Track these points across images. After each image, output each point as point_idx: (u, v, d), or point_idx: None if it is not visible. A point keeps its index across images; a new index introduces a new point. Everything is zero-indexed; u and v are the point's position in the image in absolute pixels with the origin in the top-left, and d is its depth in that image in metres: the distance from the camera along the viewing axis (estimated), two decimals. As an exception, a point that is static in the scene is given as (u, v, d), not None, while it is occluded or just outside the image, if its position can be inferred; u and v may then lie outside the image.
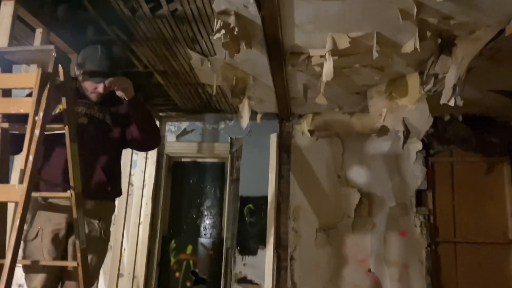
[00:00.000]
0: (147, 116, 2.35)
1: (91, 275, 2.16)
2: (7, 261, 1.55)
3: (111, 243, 3.98)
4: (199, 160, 4.89)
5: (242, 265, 4.43)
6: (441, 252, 4.30)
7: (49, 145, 2.13)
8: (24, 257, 2.09)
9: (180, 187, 4.85)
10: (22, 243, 2.07)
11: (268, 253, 4.11)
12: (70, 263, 1.98)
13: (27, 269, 2.08)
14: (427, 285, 4.11)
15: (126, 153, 3.97)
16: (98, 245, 2.21)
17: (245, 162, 4.64)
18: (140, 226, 4.35)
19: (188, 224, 4.78)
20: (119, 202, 3.94)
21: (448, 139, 4.42)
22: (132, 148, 2.52)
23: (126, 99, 2.25)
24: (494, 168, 4.39)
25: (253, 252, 4.45)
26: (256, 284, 4.34)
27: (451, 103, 2.87)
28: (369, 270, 4.23)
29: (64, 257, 2.13)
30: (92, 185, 2.18)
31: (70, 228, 2.09)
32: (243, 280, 4.39)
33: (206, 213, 4.79)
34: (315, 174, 4.51)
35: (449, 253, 4.30)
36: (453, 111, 4.27)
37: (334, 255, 4.31)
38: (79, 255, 1.91)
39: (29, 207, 2.16)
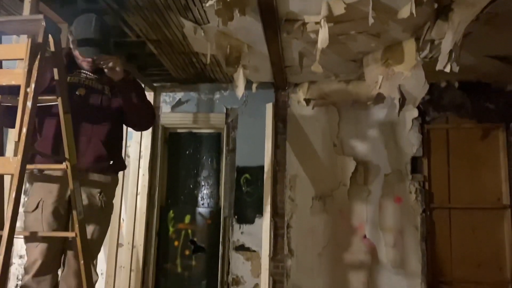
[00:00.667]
0: (139, 99, 2.29)
1: (93, 246, 2.19)
2: (5, 233, 1.56)
3: (109, 214, 4.03)
4: (195, 131, 4.88)
5: (240, 233, 4.49)
6: (435, 217, 4.37)
7: (43, 117, 2.13)
8: (24, 229, 2.11)
9: (176, 158, 4.86)
10: (23, 214, 2.09)
11: (265, 221, 4.16)
12: (68, 234, 2.00)
13: (27, 240, 2.10)
14: (421, 251, 4.20)
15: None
16: (100, 217, 2.23)
17: (241, 132, 4.63)
18: (138, 196, 4.38)
19: (185, 195, 4.81)
20: (116, 173, 3.96)
21: (444, 106, 4.42)
22: (127, 125, 2.47)
23: (114, 80, 2.20)
24: (490, 134, 4.41)
25: (250, 221, 4.50)
26: (254, 251, 4.42)
27: (447, 69, 2.85)
28: (365, 237, 4.30)
29: (66, 229, 2.14)
30: (91, 158, 2.17)
31: None
32: (241, 247, 4.46)
33: (203, 183, 4.82)
34: (311, 143, 4.52)
35: (443, 219, 4.37)
36: (449, 77, 4.25)
37: (330, 222, 4.37)
38: (76, 225, 1.93)
39: (28, 178, 2.19)
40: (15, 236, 1.70)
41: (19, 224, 2.33)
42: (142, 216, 4.44)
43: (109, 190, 2.29)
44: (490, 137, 4.40)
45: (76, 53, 2.20)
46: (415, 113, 4.37)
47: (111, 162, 2.24)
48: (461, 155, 4.42)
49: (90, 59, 2.16)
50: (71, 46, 2.21)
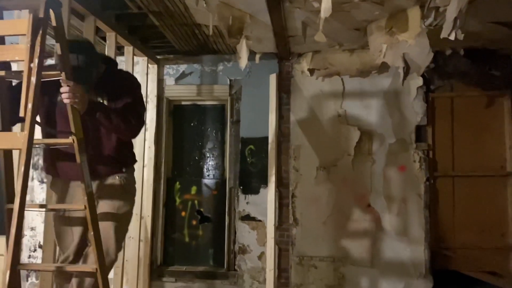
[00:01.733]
0: (111, 126, 2.24)
1: (121, 223, 2.34)
2: (16, 206, 1.61)
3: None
4: (199, 103, 4.89)
5: (245, 204, 4.56)
6: (439, 186, 4.41)
7: (53, 115, 2.26)
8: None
9: (181, 131, 4.89)
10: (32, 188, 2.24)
11: (270, 191, 4.22)
12: (77, 207, 2.04)
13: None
14: (425, 218, 4.25)
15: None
16: (123, 194, 2.37)
17: (245, 103, 4.64)
18: (145, 169, 4.43)
19: (191, 166, 4.87)
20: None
21: (449, 74, 4.39)
22: None
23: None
24: (495, 102, 4.39)
25: (255, 191, 4.56)
26: (259, 220, 4.50)
27: (452, 36, 2.82)
28: (369, 205, 4.36)
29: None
30: (102, 169, 2.32)
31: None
32: (247, 217, 4.54)
33: (208, 155, 4.86)
34: (315, 113, 4.52)
35: (447, 187, 4.41)
36: (454, 45, 4.19)
37: (334, 191, 4.42)
38: (85, 198, 1.97)
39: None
40: (25, 209, 1.75)
41: (29, 197, 2.41)
42: (149, 188, 4.51)
43: (128, 176, 2.43)
44: (495, 105, 4.39)
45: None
46: (419, 81, 4.34)
47: (119, 165, 2.38)
48: (465, 123, 4.42)
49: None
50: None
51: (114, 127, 2.23)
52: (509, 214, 4.28)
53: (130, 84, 2.42)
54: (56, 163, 2.31)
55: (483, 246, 4.28)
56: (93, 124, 2.24)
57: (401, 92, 4.39)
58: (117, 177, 2.36)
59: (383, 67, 4.21)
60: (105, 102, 2.32)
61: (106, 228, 2.22)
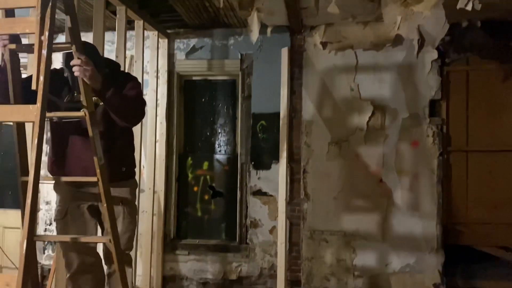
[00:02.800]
0: (119, 109, 2.26)
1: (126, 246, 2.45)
2: (31, 178, 1.63)
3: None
4: (210, 78, 4.86)
5: (257, 179, 4.57)
6: (452, 161, 4.36)
7: (66, 135, 2.33)
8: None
9: (192, 106, 4.89)
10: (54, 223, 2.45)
11: (281, 167, 4.22)
12: (90, 178, 2.06)
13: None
14: (437, 193, 4.23)
15: (137, 73, 3.96)
16: (125, 224, 2.43)
17: (256, 78, 4.60)
18: (157, 144, 4.46)
19: (202, 142, 4.88)
20: (133, 121, 4.01)
21: (465, 47, 4.28)
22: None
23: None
24: (511, 76, 4.29)
25: (267, 167, 4.57)
26: (271, 195, 4.52)
27: (469, 7, 2.75)
28: (381, 181, 4.34)
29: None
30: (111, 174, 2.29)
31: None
32: (258, 192, 4.56)
33: (219, 130, 4.86)
34: (327, 88, 4.47)
35: (460, 162, 4.36)
36: (470, 16, 4.06)
37: (346, 167, 4.40)
38: (98, 170, 1.99)
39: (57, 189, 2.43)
40: (40, 181, 1.77)
41: (43, 172, 2.44)
42: (161, 163, 4.54)
43: (131, 196, 2.49)
44: (512, 79, 4.29)
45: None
46: (434, 54, 4.24)
47: (123, 169, 2.43)
48: (480, 97, 4.34)
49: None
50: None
51: (123, 107, 2.25)
52: (523, 190, 4.24)
53: (132, 82, 2.46)
54: (64, 162, 2.34)
55: (495, 222, 4.26)
56: (98, 126, 2.20)
57: (415, 66, 4.31)
58: (120, 207, 2.42)
59: (398, 40, 4.12)
60: (100, 104, 2.33)
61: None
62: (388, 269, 4.26)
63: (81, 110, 2.00)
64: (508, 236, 4.28)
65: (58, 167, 2.35)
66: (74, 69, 2.01)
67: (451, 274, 4.24)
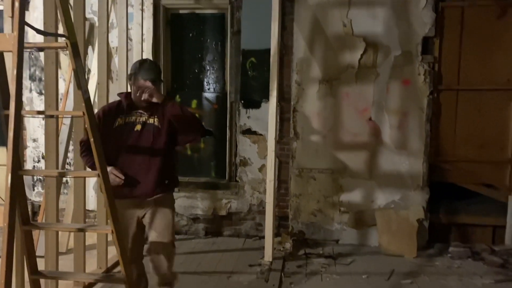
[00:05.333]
0: (181, 112, 2.52)
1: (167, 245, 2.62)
2: (12, 109, 1.57)
3: (116, 97, 4.04)
4: (198, 11, 4.67)
5: (246, 118, 4.54)
6: (442, 100, 4.36)
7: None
8: None
9: (179, 41, 4.73)
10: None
11: (271, 106, 4.16)
12: (76, 113, 2.00)
13: None
14: (425, 131, 4.25)
15: (120, 5, 3.78)
16: (168, 221, 2.62)
17: (246, 12, 4.42)
18: (143, 81, 4.35)
19: (191, 79, 4.78)
20: (119, 57, 3.89)
21: (462, -19, 4.14)
22: (180, 144, 2.70)
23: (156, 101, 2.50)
24: (507, 12, 4.19)
25: (257, 105, 4.53)
26: (260, 134, 4.51)
27: None
28: (370, 119, 4.34)
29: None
30: (152, 185, 2.52)
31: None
32: (248, 131, 4.55)
33: (208, 67, 4.75)
34: (320, 23, 4.33)
35: (450, 101, 4.36)
36: None
37: (336, 105, 4.38)
38: (83, 104, 1.93)
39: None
40: (23, 115, 1.71)
41: (28, 108, 2.35)
42: (149, 101, 4.46)
43: (169, 206, 2.67)
44: (508, 15, 4.20)
45: (137, 83, 2.49)
46: (430, -11, 4.10)
47: (167, 182, 2.60)
48: (475, 35, 4.26)
49: (149, 83, 2.46)
50: (129, 83, 2.59)
51: (187, 118, 2.53)
52: (510, 128, 4.28)
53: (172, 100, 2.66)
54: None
55: (481, 160, 4.33)
56: (147, 142, 2.51)
57: (410, 1, 4.17)
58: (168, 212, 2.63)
59: (393, -27, 3.95)
60: (156, 123, 2.56)
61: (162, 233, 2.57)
62: (373, 205, 4.37)
63: (62, 40, 1.90)
64: (493, 174, 4.38)
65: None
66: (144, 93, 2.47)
67: (435, 211, 4.38)
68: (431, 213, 4.33)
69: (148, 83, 2.46)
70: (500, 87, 4.26)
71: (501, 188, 4.36)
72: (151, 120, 2.54)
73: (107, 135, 2.43)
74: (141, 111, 2.55)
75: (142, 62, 2.57)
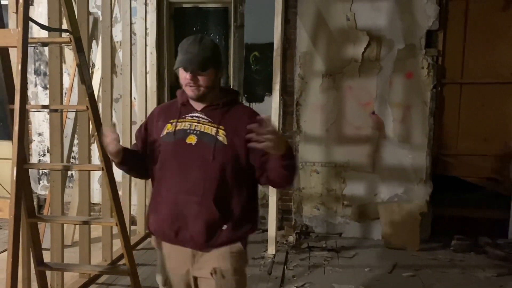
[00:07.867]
0: (289, 172, 1.66)
1: None
2: (16, 103, 1.60)
3: (120, 92, 4.07)
4: (201, 5, 4.67)
5: (250, 111, 4.55)
6: (446, 93, 4.35)
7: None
8: None
9: (183, 36, 4.67)
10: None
11: (274, 99, 4.18)
12: (79, 107, 2.03)
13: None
14: (429, 125, 4.25)
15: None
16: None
17: (249, 6, 4.42)
18: (147, 75, 4.36)
19: (194, 73, 4.78)
20: (123, 51, 3.90)
21: (466, -27, 4.12)
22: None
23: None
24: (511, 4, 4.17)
25: (260, 99, 4.54)
26: (264, 128, 4.52)
27: None
28: (373, 113, 4.34)
29: None
30: (203, 230, 1.65)
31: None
32: (251, 124, 4.55)
33: (212, 61, 4.75)
34: (323, 17, 4.33)
35: (454, 94, 4.36)
36: None
37: (339, 99, 4.38)
38: (86, 99, 1.96)
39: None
40: (28, 109, 1.74)
41: (33, 103, 2.37)
42: (153, 95, 4.47)
43: (237, 270, 1.76)
44: (512, 8, 4.17)
45: (179, 77, 1.72)
46: (434, -19, 4.09)
47: (224, 227, 1.67)
48: (479, 28, 4.24)
49: (189, 75, 1.65)
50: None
51: (289, 171, 1.65)
52: (514, 122, 4.28)
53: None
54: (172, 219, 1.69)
55: (485, 153, 4.33)
56: (203, 161, 1.65)
57: (414, -6, 4.17)
58: (239, 244, 1.73)
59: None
60: (221, 136, 1.69)
61: None
62: (376, 199, 4.38)
63: (67, 35, 1.92)
64: (496, 168, 4.37)
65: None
66: (264, 141, 1.45)
67: (438, 204, 4.39)
68: (434, 206, 4.34)
69: (197, 79, 1.64)
70: (504, 81, 4.25)
71: (504, 182, 4.36)
72: (212, 130, 1.67)
73: (153, 150, 1.75)
74: (199, 114, 1.73)
75: (186, 41, 1.73)
